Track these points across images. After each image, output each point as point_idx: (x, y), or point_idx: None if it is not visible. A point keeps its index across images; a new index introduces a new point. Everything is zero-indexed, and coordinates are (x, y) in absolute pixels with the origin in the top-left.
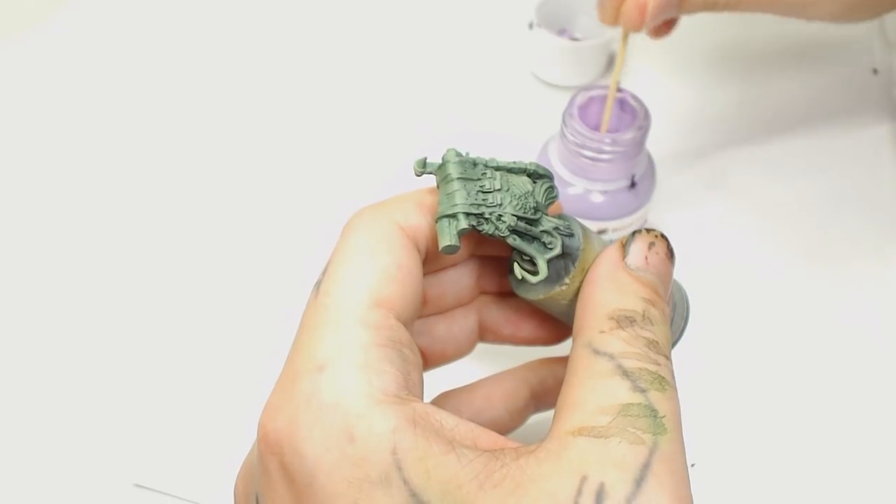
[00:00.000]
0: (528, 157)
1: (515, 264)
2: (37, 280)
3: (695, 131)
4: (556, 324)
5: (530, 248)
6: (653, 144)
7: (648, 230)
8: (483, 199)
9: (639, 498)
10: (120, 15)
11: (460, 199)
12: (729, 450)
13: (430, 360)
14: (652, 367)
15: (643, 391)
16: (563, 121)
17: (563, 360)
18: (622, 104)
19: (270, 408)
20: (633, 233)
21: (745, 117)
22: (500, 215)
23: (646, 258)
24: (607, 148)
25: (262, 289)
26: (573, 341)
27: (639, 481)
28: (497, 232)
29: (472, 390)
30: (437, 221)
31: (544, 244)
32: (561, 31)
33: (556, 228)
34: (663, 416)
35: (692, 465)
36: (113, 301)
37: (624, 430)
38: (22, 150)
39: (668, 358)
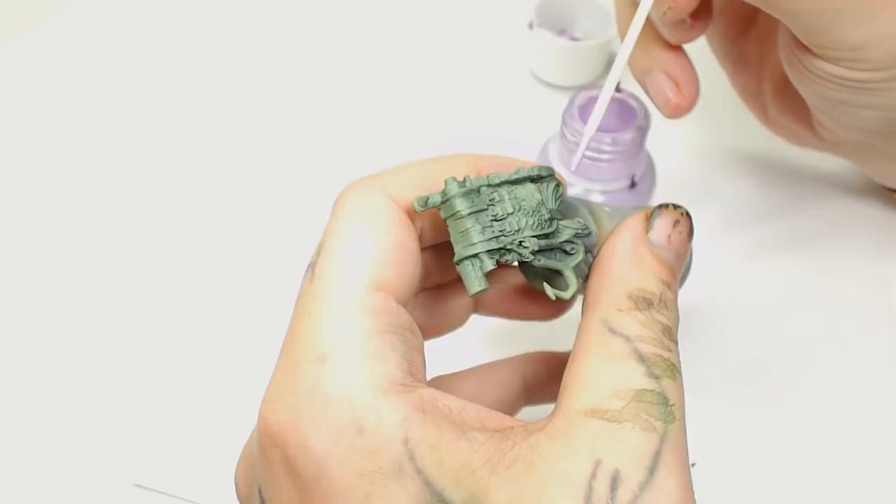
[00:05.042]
0: (527, 157)
1: (546, 285)
2: (36, 279)
3: (695, 131)
4: (552, 301)
5: (555, 263)
6: (653, 144)
7: (675, 206)
8: (500, 230)
9: (651, 486)
10: (119, 15)
11: (477, 236)
12: (722, 453)
13: (424, 334)
14: (665, 354)
15: (657, 378)
16: (563, 121)
17: (560, 356)
18: (622, 104)
19: (270, 399)
20: (660, 206)
21: (748, 116)
22: (521, 241)
23: (668, 236)
24: (607, 148)
25: (261, 289)
26: (585, 312)
27: (651, 469)
28: (521, 258)
29: (465, 377)
30: (457, 264)
31: (566, 252)
32: (561, 32)
33: (576, 234)
34: (673, 405)
35: (693, 465)
36: (112, 300)
37: (637, 417)
38: (21, 150)
39: (677, 344)
